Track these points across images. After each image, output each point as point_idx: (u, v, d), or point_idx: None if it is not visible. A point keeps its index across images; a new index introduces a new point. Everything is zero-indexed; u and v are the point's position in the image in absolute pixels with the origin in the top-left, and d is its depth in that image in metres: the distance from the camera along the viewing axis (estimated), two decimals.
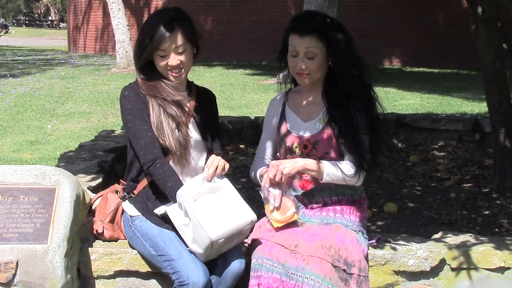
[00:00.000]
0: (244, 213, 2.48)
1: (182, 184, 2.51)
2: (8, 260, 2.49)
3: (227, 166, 2.57)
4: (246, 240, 2.63)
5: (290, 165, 2.54)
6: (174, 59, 2.61)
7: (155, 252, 2.54)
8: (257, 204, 4.12)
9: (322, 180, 2.58)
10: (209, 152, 2.74)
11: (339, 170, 2.57)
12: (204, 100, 2.79)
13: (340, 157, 2.63)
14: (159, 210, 2.58)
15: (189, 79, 2.84)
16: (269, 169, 2.56)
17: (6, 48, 22.85)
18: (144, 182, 2.66)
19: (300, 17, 2.64)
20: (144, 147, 2.57)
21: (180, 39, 2.60)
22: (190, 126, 2.70)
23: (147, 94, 2.64)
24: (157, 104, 2.63)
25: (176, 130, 2.62)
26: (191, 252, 2.47)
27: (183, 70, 2.66)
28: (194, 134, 2.70)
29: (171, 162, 2.63)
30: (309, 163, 2.56)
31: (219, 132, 2.87)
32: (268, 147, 2.82)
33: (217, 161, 2.54)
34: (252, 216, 2.48)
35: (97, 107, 9.14)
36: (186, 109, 2.69)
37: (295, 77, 2.70)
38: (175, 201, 2.50)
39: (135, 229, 2.63)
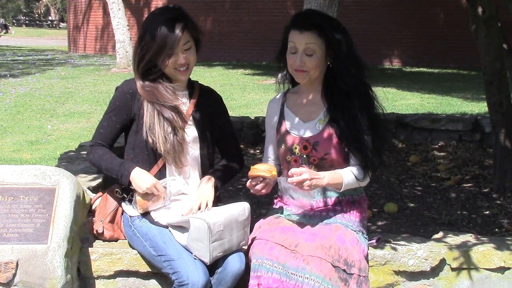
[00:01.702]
0: (236, 204, 2.60)
1: (113, 158, 2.63)
2: (8, 260, 2.49)
3: (210, 203, 2.62)
4: None
5: (317, 184, 2.50)
6: (182, 58, 2.61)
7: (155, 252, 2.54)
8: (257, 204, 4.13)
9: (341, 190, 2.59)
10: (209, 150, 2.76)
11: (354, 177, 2.57)
12: (207, 100, 2.79)
13: (340, 157, 2.63)
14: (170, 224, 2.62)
15: (192, 79, 2.84)
16: (300, 177, 2.45)
17: (6, 48, 22.85)
18: None
19: (301, 14, 2.65)
20: (92, 139, 2.74)
21: (186, 38, 2.60)
22: (189, 127, 2.70)
23: (145, 99, 2.65)
24: (152, 108, 2.63)
25: (172, 134, 2.62)
26: (197, 258, 2.47)
27: (190, 66, 2.67)
28: (192, 134, 2.70)
29: (166, 163, 2.65)
30: (331, 181, 2.54)
31: (234, 134, 2.90)
32: (273, 151, 2.82)
33: (200, 201, 2.61)
34: (244, 203, 2.60)
35: (97, 107, 9.14)
36: (184, 113, 2.69)
37: (293, 74, 2.69)
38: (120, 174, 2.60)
39: (135, 229, 2.63)
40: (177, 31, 2.56)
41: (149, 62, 2.63)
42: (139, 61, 2.66)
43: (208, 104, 2.78)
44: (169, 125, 2.63)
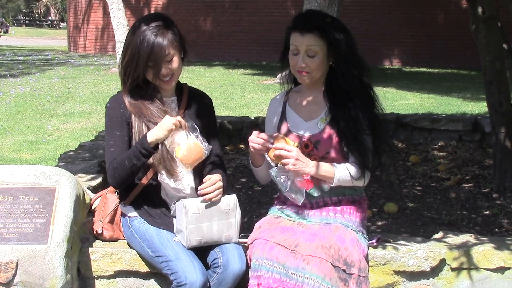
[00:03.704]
0: (225, 196, 2.58)
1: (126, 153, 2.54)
2: (8, 260, 2.49)
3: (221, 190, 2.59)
4: (246, 240, 2.63)
5: (301, 168, 2.51)
6: (165, 68, 2.59)
7: (152, 253, 2.54)
8: (256, 204, 4.13)
9: (333, 185, 2.59)
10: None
11: (349, 174, 2.57)
12: (196, 104, 2.76)
13: (341, 156, 2.63)
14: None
15: (189, 80, 2.81)
16: (287, 152, 2.48)
17: (6, 48, 22.85)
18: (136, 191, 2.67)
19: (302, 16, 2.65)
20: (107, 161, 2.63)
21: (168, 47, 2.56)
22: None
23: (131, 113, 2.63)
24: (140, 120, 2.62)
25: (159, 143, 2.59)
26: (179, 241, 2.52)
27: (174, 76, 2.64)
28: None
29: (157, 171, 2.63)
30: (320, 170, 2.55)
31: (216, 136, 2.84)
32: None
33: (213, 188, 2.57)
34: (232, 195, 2.58)
35: (97, 107, 9.13)
36: None
37: (295, 75, 2.70)
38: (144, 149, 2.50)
39: (133, 230, 2.63)
40: (160, 41, 2.53)
41: (136, 79, 2.60)
42: (125, 77, 2.63)
43: (197, 108, 2.76)
44: None
